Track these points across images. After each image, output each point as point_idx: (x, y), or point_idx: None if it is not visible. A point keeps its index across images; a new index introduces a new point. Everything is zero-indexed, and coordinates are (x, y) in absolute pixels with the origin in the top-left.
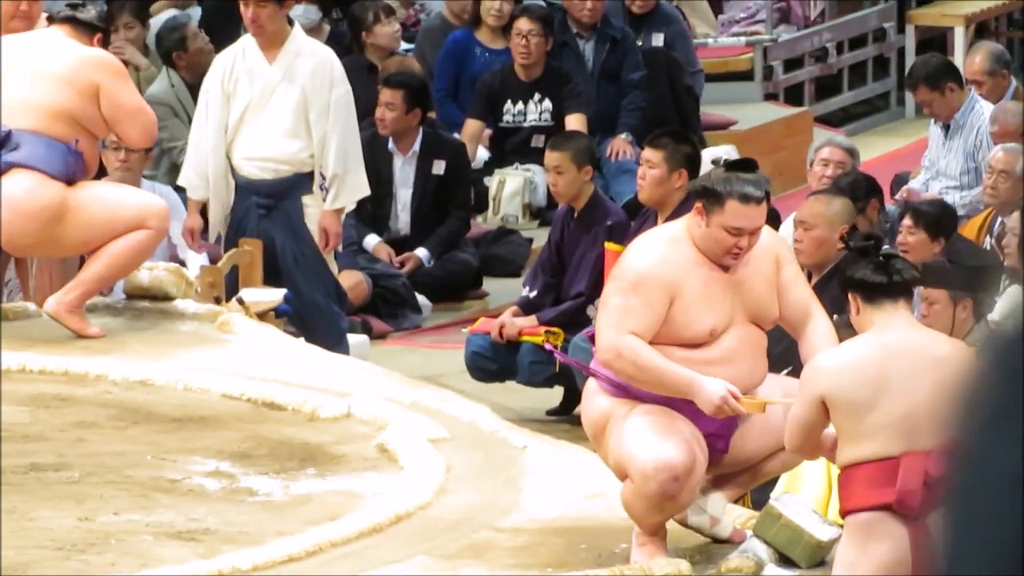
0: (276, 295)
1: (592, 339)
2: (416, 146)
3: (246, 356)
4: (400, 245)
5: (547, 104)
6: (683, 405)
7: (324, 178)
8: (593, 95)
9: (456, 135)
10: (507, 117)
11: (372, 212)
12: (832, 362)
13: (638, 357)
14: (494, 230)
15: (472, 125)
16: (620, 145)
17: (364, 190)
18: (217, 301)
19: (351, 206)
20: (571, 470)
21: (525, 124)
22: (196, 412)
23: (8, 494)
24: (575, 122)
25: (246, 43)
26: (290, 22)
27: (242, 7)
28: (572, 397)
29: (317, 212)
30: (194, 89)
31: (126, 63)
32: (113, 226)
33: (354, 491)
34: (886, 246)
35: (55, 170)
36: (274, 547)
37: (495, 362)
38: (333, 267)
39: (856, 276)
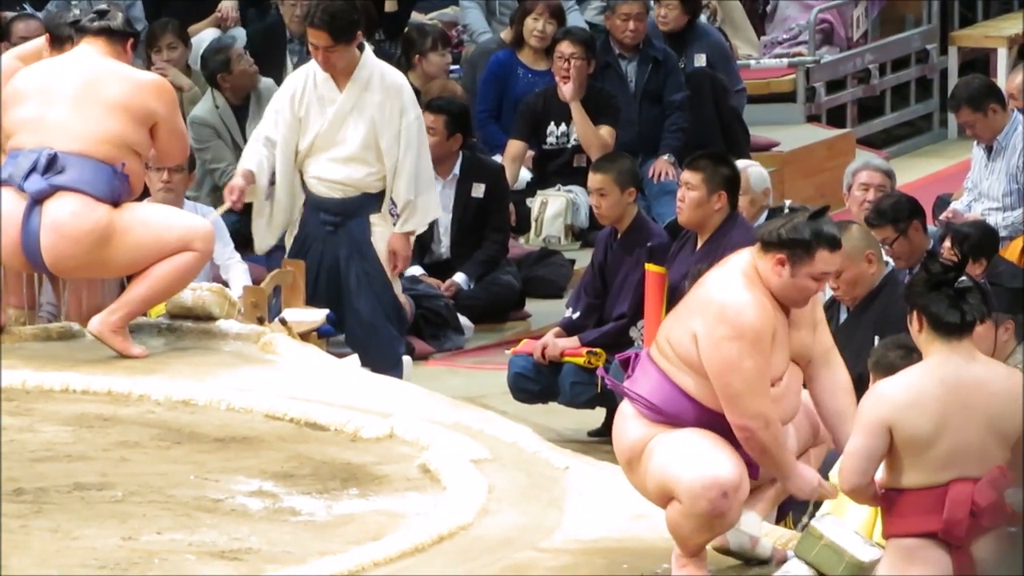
0: (318, 315)
1: (624, 364)
2: (456, 170)
3: (289, 376)
4: (441, 269)
5: None
6: (721, 430)
7: (394, 204)
8: (635, 116)
9: (498, 157)
10: (550, 139)
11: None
12: (898, 392)
13: (778, 436)
14: (536, 251)
15: (514, 146)
16: (662, 166)
17: (436, 212)
18: (260, 321)
19: (422, 229)
20: (613, 491)
21: (568, 146)
22: (239, 432)
23: (52, 513)
24: (603, 133)
25: (316, 68)
26: (360, 47)
27: (311, 50)
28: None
29: (384, 232)
30: (239, 111)
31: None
32: (159, 248)
33: (396, 511)
34: (963, 278)
35: (101, 192)
36: (317, 566)
37: (537, 383)
38: (398, 288)
39: (931, 309)
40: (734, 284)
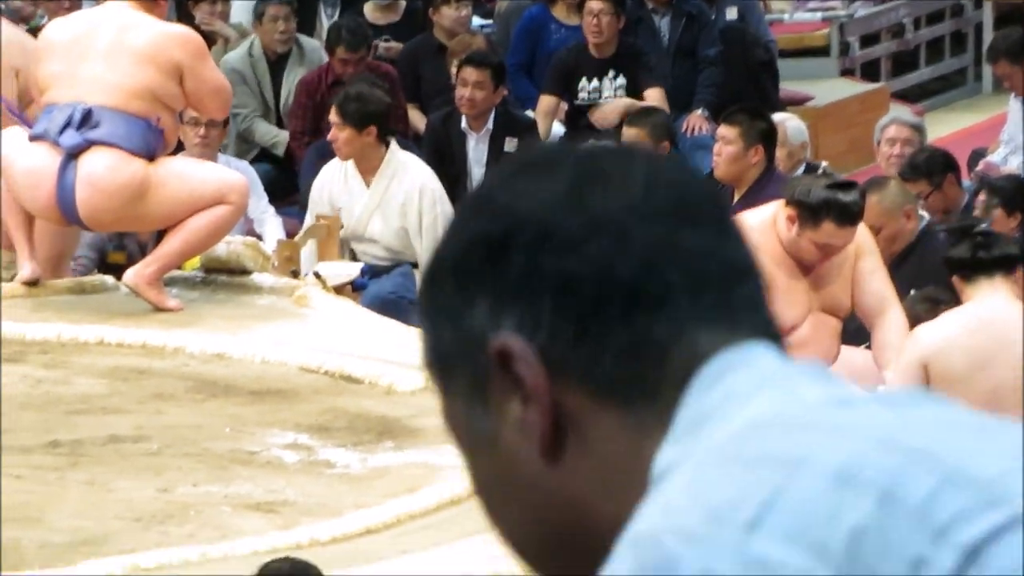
0: (353, 269)
1: None
2: (489, 124)
3: (323, 329)
4: None
5: (621, 81)
6: None
7: None
8: (669, 71)
9: (530, 111)
10: (582, 94)
11: (447, 192)
12: (932, 332)
13: None
14: None
15: (546, 101)
16: (696, 121)
17: None
18: (294, 275)
19: None
20: None
21: (600, 101)
22: (274, 385)
23: (88, 465)
24: (655, 95)
25: (348, 163)
26: (387, 144)
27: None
28: None
29: None
30: (275, 63)
31: (214, 36)
32: (194, 201)
33: (432, 464)
34: (983, 225)
35: (136, 147)
36: (352, 519)
37: None
38: None
39: (952, 255)
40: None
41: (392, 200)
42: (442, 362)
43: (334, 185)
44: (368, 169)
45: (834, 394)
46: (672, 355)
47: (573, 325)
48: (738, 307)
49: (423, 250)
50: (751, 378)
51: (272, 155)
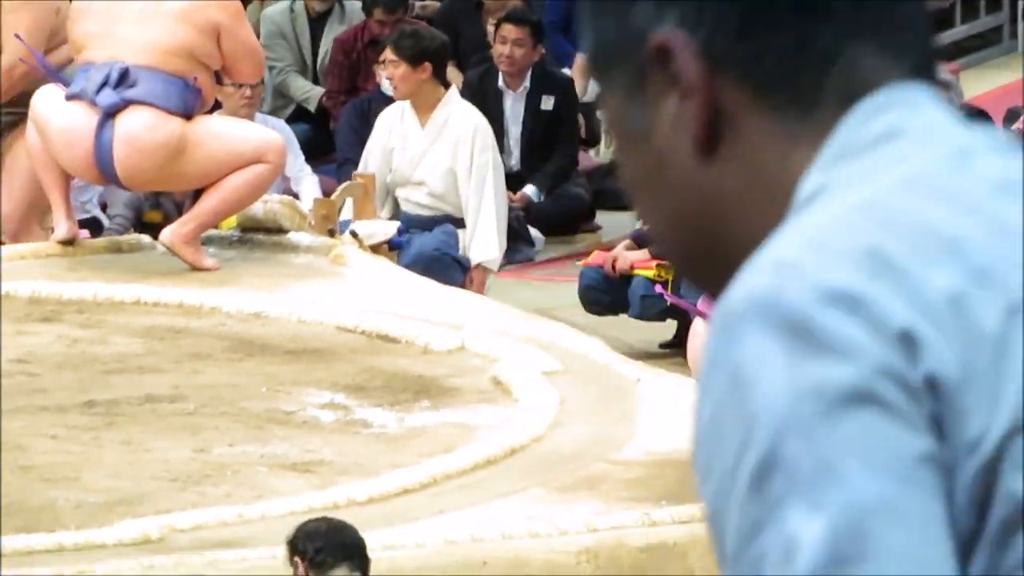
0: (390, 228)
1: None
2: (526, 82)
3: (360, 289)
4: (511, 181)
5: None
6: None
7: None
8: None
9: (566, 70)
10: None
11: None
12: None
13: None
14: (607, 163)
15: (584, 59)
16: None
17: (495, 253)
18: (331, 234)
19: (492, 266)
20: (684, 403)
21: None
22: (310, 344)
23: (124, 425)
24: None
25: (405, 104)
26: (446, 85)
27: (383, 68)
28: (685, 330)
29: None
30: (316, 20)
31: None
32: (232, 161)
33: (468, 423)
34: None
35: (173, 106)
36: (389, 479)
37: (608, 295)
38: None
39: None
40: None
41: (444, 141)
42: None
43: (391, 129)
44: (423, 109)
45: (992, 172)
46: (834, 70)
47: (738, 21)
48: (900, 27)
49: (469, 194)
50: (912, 126)
51: (309, 114)
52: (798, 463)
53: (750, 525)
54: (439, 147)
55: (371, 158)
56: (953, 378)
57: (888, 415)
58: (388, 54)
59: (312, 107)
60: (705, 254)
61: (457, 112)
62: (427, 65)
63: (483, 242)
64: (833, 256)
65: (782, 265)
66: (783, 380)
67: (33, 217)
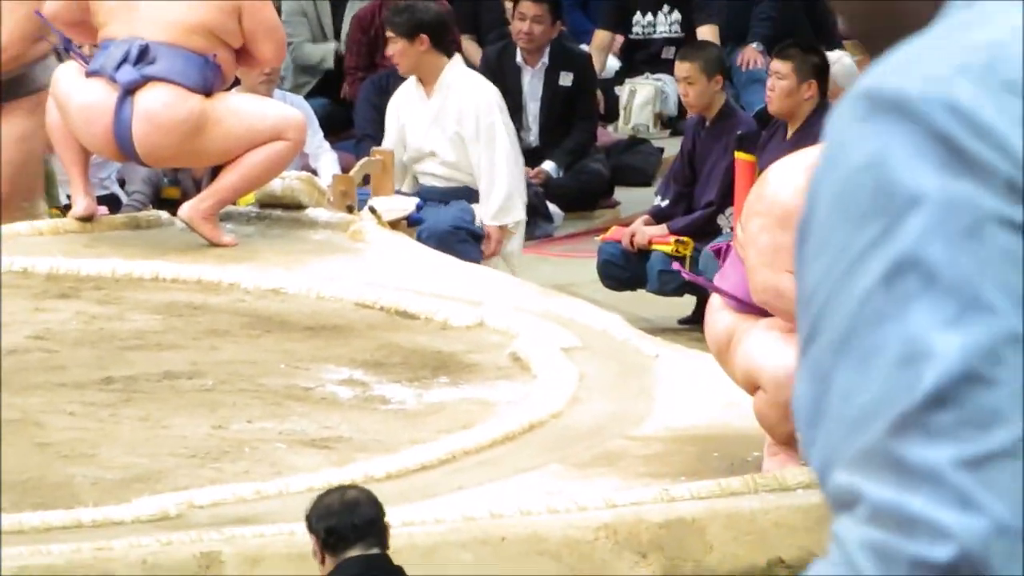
0: (408, 204)
1: (718, 254)
2: (544, 58)
3: (378, 265)
4: (530, 157)
5: (676, 15)
6: None
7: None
8: (724, 5)
9: (584, 46)
10: (636, 29)
11: None
12: None
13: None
14: (625, 140)
15: (601, 36)
16: (751, 54)
17: (518, 214)
18: (349, 210)
19: (511, 225)
20: (703, 378)
21: (655, 36)
22: (329, 320)
23: (142, 402)
24: (707, 33)
25: (412, 78)
26: (450, 54)
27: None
28: (704, 306)
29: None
30: (336, 1)
31: None
32: (251, 137)
33: (487, 400)
34: None
35: (193, 83)
36: (407, 455)
37: (626, 271)
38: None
39: None
40: (789, 167)
41: (449, 108)
42: None
43: (401, 106)
44: (428, 81)
45: None
46: None
47: None
48: None
49: (479, 156)
50: None
51: (328, 90)
52: (940, 270)
53: (872, 313)
54: (445, 114)
55: (388, 139)
56: None
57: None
58: (388, 32)
59: (330, 64)
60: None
61: (460, 78)
62: (424, 37)
63: (498, 202)
64: (987, 88)
65: (938, 80)
66: (936, 187)
67: (16, 198)
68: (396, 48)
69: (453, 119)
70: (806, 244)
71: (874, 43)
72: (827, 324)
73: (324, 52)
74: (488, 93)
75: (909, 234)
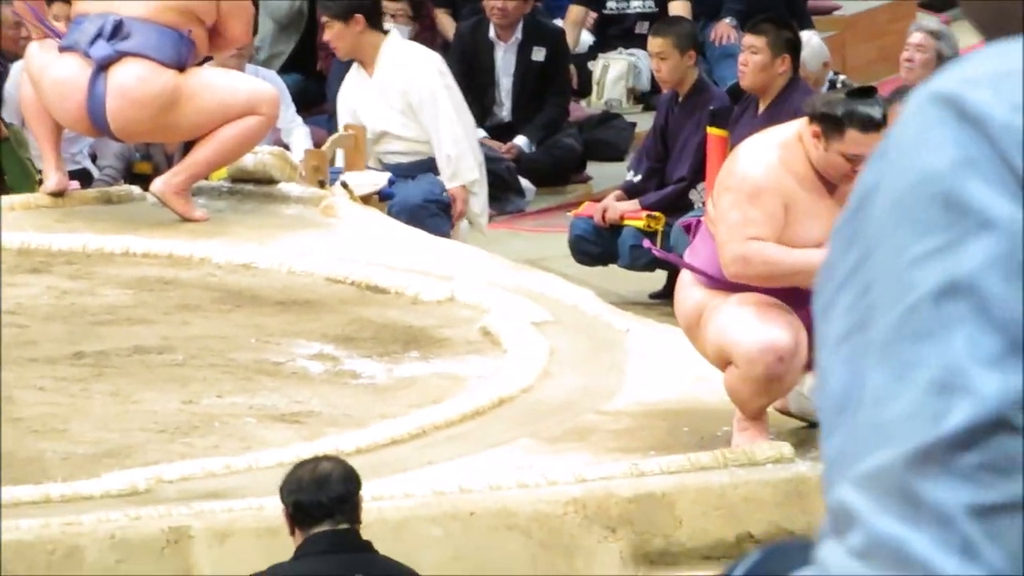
0: (380, 179)
1: (688, 229)
2: (518, 34)
3: (350, 240)
4: (503, 131)
5: None
6: (779, 294)
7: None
8: None
9: (558, 20)
10: (610, 3)
11: (476, 101)
12: None
13: (766, 255)
14: (598, 114)
15: (575, 11)
16: (724, 30)
17: (471, 174)
18: (321, 185)
19: (468, 185)
20: (674, 353)
21: (629, 11)
22: (300, 295)
23: (113, 377)
24: (680, 8)
25: (356, 63)
26: (385, 32)
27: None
28: (675, 280)
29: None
30: None
31: None
32: (225, 112)
33: (457, 374)
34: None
35: (167, 58)
36: (377, 430)
37: (598, 246)
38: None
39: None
40: (760, 144)
41: (392, 84)
42: None
43: (352, 91)
44: (368, 61)
45: None
46: None
47: None
48: None
49: (428, 123)
50: None
51: (300, 65)
52: (993, 303)
53: (918, 326)
54: (389, 90)
55: (346, 120)
56: None
57: None
58: (324, 16)
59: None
60: None
61: (398, 52)
62: (359, 18)
63: (447, 165)
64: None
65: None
66: (1008, 217)
67: None
68: (332, 32)
69: (398, 93)
70: (859, 233)
71: (992, 35)
72: (877, 318)
73: (296, 4)
74: (427, 60)
75: (972, 257)
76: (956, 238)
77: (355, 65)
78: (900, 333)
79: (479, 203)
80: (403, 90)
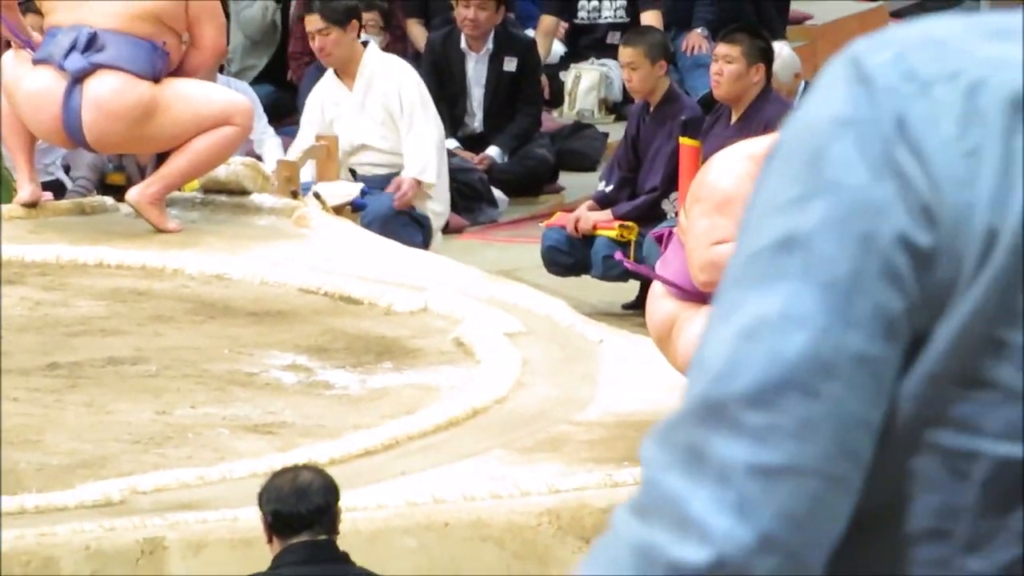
0: (352, 189)
1: (660, 240)
2: (489, 44)
3: (322, 250)
4: (475, 142)
5: (622, 1)
6: None
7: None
8: None
9: (529, 31)
10: (582, 14)
11: (447, 111)
12: None
13: None
14: (570, 125)
15: (547, 21)
16: (696, 40)
17: (431, 177)
18: (294, 195)
19: (427, 187)
20: (647, 363)
21: (600, 21)
22: (273, 306)
23: (87, 387)
24: (650, 18)
25: (331, 73)
26: (364, 43)
27: (310, 41)
28: (648, 291)
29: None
30: None
31: None
32: (199, 123)
33: (430, 385)
34: None
35: (141, 69)
36: (351, 440)
37: (571, 256)
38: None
39: None
40: (732, 155)
41: (374, 97)
42: None
43: (327, 101)
44: (349, 73)
45: None
46: None
47: None
48: None
49: (406, 128)
50: None
51: (272, 76)
52: (821, 264)
53: (751, 272)
54: (371, 104)
55: (311, 122)
56: None
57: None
58: (315, 22)
59: (272, 14)
60: None
61: (380, 64)
62: (355, 24)
63: (417, 158)
64: (955, 111)
65: (912, 81)
66: (857, 183)
67: None
68: (329, 38)
69: (380, 107)
70: (761, 174)
71: None
72: (733, 261)
73: (262, 3)
74: (409, 72)
75: (813, 215)
76: (807, 193)
77: (329, 75)
78: (738, 277)
79: (439, 204)
80: (385, 102)
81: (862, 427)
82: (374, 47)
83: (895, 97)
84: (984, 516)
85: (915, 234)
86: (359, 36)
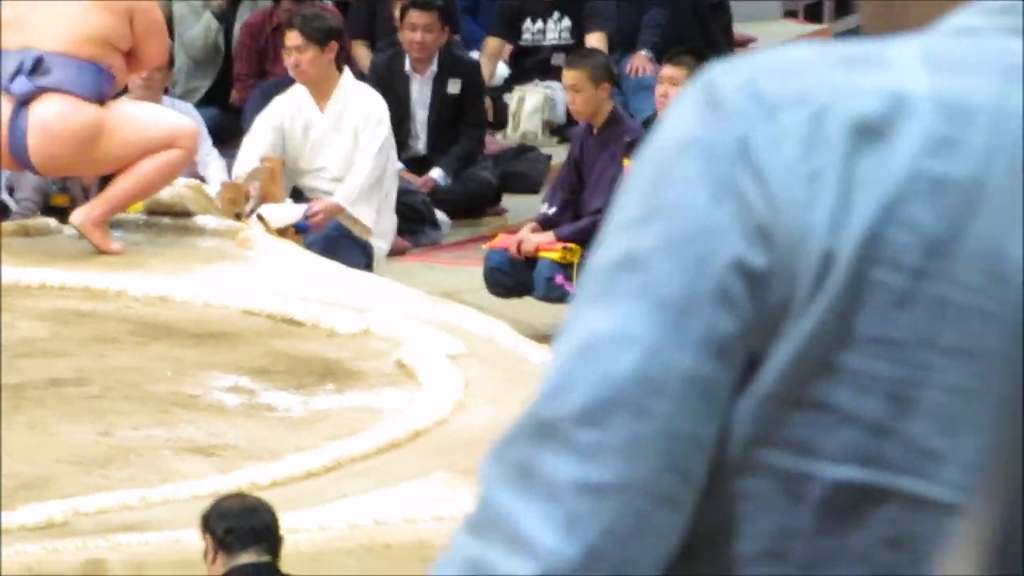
0: (296, 211)
1: None
2: (434, 66)
3: (266, 272)
4: (418, 164)
5: (567, 23)
6: None
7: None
8: (614, 12)
9: (475, 53)
10: (527, 36)
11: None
12: None
13: None
14: (513, 147)
15: (492, 43)
16: (640, 62)
17: (368, 219)
18: (237, 217)
19: (346, 206)
20: None
21: (545, 43)
22: (216, 328)
23: (29, 409)
24: (595, 40)
25: (301, 91)
26: (339, 68)
27: (284, 55)
28: None
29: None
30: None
31: None
32: (145, 145)
33: (372, 407)
34: None
35: (87, 92)
36: (293, 462)
37: (513, 278)
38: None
39: None
40: None
41: (345, 126)
42: None
43: (290, 116)
44: (323, 94)
45: None
46: None
47: None
48: None
49: (359, 165)
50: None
51: (217, 98)
52: (656, 285)
53: (591, 290)
54: (341, 132)
55: (260, 140)
56: None
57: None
58: (294, 38)
59: (214, 35)
60: None
61: (355, 95)
62: (334, 44)
63: (350, 187)
64: (801, 137)
65: (760, 104)
66: (695, 205)
67: None
68: (306, 56)
69: (350, 138)
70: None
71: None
72: (583, 279)
73: (205, 24)
74: (380, 109)
75: (652, 234)
76: (648, 213)
77: (301, 94)
78: (582, 294)
79: (383, 242)
80: (355, 130)
81: (692, 446)
82: (349, 74)
83: (741, 120)
84: (821, 537)
85: (750, 256)
86: (338, 59)
